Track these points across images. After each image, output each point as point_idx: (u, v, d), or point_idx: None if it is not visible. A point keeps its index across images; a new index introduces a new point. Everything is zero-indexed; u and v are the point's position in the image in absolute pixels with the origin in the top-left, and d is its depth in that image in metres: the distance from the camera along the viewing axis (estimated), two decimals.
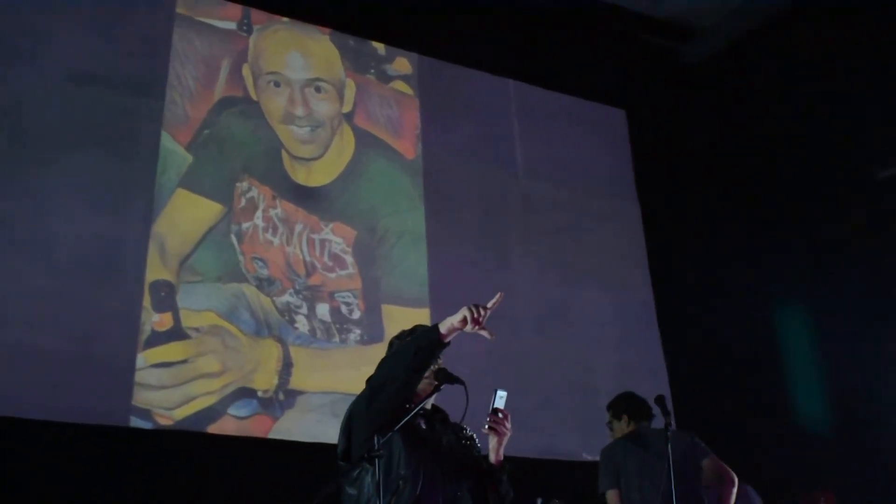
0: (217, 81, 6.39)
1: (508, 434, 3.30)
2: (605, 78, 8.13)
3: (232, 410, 5.55)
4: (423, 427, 3.30)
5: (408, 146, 6.96)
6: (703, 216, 7.81)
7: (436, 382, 3.29)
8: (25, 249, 5.37)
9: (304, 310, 5.99)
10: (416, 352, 3.08)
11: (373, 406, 3.10)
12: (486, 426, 3.27)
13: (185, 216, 5.88)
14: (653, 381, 7.05)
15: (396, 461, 3.16)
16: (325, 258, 6.21)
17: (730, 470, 4.65)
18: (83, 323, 5.35)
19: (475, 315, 2.97)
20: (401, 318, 6.22)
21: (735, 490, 4.62)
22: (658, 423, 4.55)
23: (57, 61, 5.87)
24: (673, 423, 4.31)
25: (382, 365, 3.15)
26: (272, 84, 6.59)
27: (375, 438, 2.99)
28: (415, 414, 3.24)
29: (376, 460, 2.96)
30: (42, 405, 5.07)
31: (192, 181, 6.01)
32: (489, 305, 3.00)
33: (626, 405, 4.84)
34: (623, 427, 4.78)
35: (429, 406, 3.43)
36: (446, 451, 3.29)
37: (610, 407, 4.91)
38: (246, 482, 5.25)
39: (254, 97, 6.50)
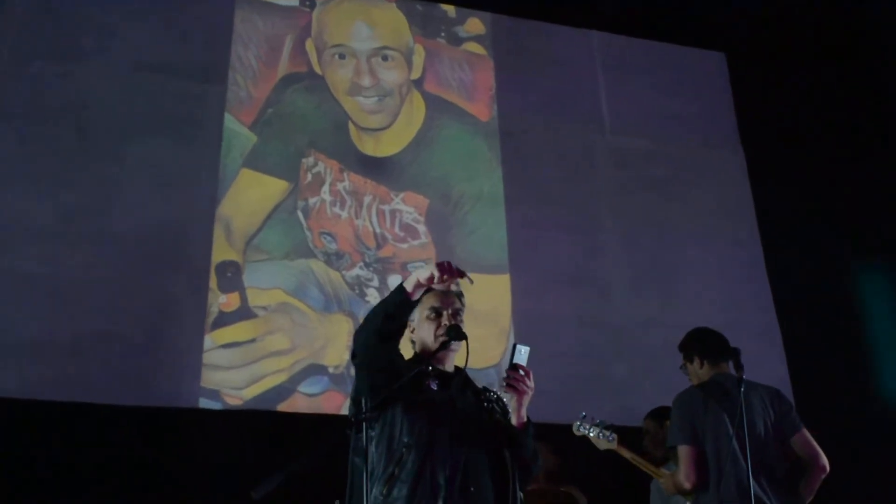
0: (280, 60, 6.30)
1: (530, 393, 2.98)
2: (701, 20, 7.55)
3: (303, 388, 5.44)
4: (434, 389, 3.03)
5: (482, 108, 6.66)
6: (814, 163, 7.13)
7: (444, 339, 3.03)
8: (94, 240, 5.44)
9: (376, 282, 5.81)
10: (385, 316, 2.84)
11: (360, 377, 2.90)
12: (504, 383, 2.97)
13: (249, 196, 5.82)
14: (764, 342, 6.50)
15: (399, 429, 2.91)
16: (397, 229, 6.01)
17: (822, 453, 3.94)
18: (151, 308, 5.38)
19: (444, 273, 2.77)
20: (478, 286, 5.90)
21: (823, 477, 3.92)
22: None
23: (119, 54, 5.95)
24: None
25: (357, 336, 2.91)
26: (337, 56, 6.45)
27: (363, 401, 2.76)
28: (418, 374, 2.98)
29: (364, 424, 2.72)
30: (112, 390, 5.11)
31: (256, 160, 5.94)
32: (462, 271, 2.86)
33: (699, 345, 4.16)
34: (697, 370, 4.12)
35: (449, 368, 3.16)
36: (460, 414, 3.01)
37: (681, 347, 4.24)
38: (318, 459, 5.13)
39: (318, 71, 6.38)
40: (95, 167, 5.64)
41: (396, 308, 2.83)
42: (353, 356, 2.92)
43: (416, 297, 2.84)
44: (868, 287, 6.98)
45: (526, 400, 2.99)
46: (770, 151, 7.22)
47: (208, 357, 5.35)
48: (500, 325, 5.93)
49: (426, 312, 3.12)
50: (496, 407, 3.10)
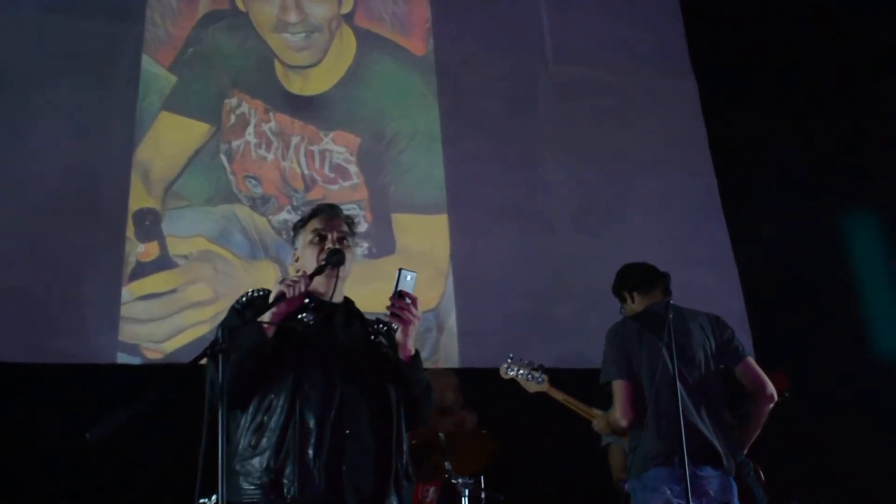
0: None
1: (415, 322, 2.72)
2: None
3: None
4: (310, 322, 2.77)
5: (417, 42, 6.34)
6: (768, 90, 6.82)
7: (322, 263, 2.76)
8: (3, 189, 5.18)
9: None
10: (252, 365, 2.60)
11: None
12: (388, 312, 2.71)
13: (169, 140, 5.55)
14: (719, 275, 6.26)
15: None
16: (326, 170, 5.73)
17: (768, 382, 3.74)
18: (64, 260, 5.14)
19: (291, 289, 2.61)
20: (414, 227, 5.73)
21: (770, 407, 3.73)
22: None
23: None
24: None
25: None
26: None
27: (219, 331, 2.51)
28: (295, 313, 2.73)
29: (221, 356, 2.46)
30: (26, 347, 4.90)
31: (175, 103, 5.66)
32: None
33: (627, 281, 3.96)
34: (632, 307, 3.90)
35: (338, 298, 2.89)
36: (338, 349, 2.75)
37: (614, 291, 4.02)
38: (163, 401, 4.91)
39: (241, 8, 6.06)
40: (3, 113, 5.37)
41: (257, 348, 2.61)
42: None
43: (271, 333, 2.62)
44: (827, 215, 6.73)
45: (412, 330, 2.73)
46: (723, 78, 6.89)
47: (126, 310, 5.12)
48: (437, 266, 5.68)
49: (309, 237, 2.87)
50: (384, 340, 2.85)
